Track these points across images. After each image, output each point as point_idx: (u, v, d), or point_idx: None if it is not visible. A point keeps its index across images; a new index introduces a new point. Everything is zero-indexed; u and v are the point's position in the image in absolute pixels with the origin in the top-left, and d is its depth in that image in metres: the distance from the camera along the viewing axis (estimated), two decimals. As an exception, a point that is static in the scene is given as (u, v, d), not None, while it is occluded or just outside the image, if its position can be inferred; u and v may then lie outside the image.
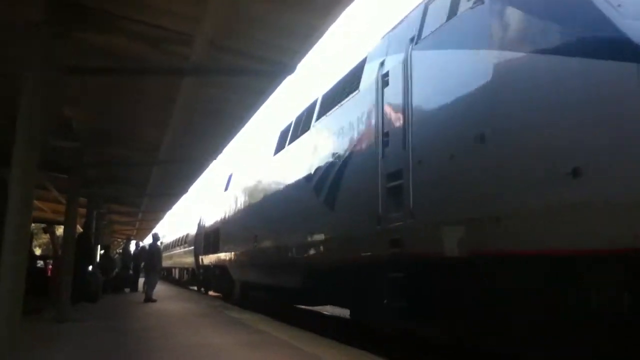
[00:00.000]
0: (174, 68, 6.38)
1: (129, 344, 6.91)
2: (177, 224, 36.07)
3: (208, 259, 18.86)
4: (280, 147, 11.32)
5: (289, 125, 10.90)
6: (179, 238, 31.00)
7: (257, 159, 13.57)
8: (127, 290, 19.56)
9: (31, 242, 18.39)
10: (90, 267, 14.28)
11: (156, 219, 28.63)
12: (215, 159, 11.35)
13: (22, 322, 4.85)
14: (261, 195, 12.32)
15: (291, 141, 10.43)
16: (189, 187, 16.17)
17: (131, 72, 6.48)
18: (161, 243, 38.99)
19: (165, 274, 37.64)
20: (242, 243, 13.79)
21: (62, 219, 12.68)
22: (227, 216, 16.33)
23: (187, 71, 6.21)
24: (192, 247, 23.94)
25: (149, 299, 14.68)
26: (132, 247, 23.33)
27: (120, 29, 5.72)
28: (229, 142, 10.07)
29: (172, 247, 34.18)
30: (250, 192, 13.54)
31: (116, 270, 19.65)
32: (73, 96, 7.63)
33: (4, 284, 4.68)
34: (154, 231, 21.57)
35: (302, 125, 9.86)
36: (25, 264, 4.99)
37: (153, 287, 15.25)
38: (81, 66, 6.13)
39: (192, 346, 6.58)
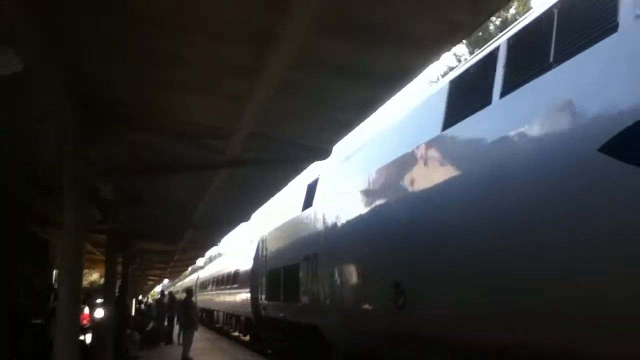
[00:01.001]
0: (210, 162, 6.47)
1: None
2: (223, 255, 33.81)
3: (275, 308, 12.69)
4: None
5: None
6: (224, 274, 24.27)
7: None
8: (162, 344, 19.53)
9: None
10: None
11: (192, 259, 28.28)
12: (246, 221, 11.45)
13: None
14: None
15: None
16: (219, 241, 16.39)
17: (167, 170, 6.58)
18: (197, 278, 38.24)
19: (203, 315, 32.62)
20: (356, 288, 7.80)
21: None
22: (321, 242, 9.14)
23: (223, 164, 6.29)
24: (246, 289, 17.52)
25: (185, 357, 14.66)
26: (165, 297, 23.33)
27: (153, 130, 5.83)
28: (259, 208, 10.20)
29: (214, 285, 27.85)
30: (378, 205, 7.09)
31: (152, 324, 19.66)
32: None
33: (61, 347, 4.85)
34: (187, 283, 21.58)
35: None
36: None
37: (190, 344, 15.23)
38: (114, 168, 6.27)
39: None
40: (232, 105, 5.13)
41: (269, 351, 15.46)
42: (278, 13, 3.38)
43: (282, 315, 11.86)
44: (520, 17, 5.57)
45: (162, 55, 4.31)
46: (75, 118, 5.14)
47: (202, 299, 31.69)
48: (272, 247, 13.55)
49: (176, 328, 20.03)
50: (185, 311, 16.25)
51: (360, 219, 7.48)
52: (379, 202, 7.02)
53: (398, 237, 6.19)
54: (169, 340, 19.92)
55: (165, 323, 20.52)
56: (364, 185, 7.46)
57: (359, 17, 3.61)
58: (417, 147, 5.95)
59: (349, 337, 8.63)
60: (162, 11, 3.62)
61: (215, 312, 28.90)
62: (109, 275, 10.71)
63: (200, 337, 22.00)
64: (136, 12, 3.62)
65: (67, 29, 3.87)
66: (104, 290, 10.49)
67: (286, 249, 11.87)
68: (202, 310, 31.33)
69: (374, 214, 7.08)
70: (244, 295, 17.99)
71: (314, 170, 9.97)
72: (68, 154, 5.25)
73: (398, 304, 6.09)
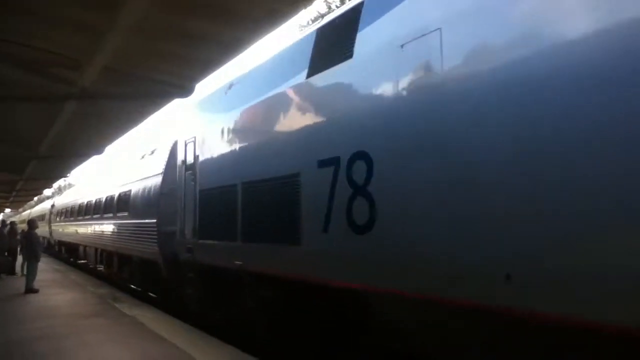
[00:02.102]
0: (60, 93, 6.01)
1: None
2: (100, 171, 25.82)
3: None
4: None
5: None
6: (103, 197, 17.03)
7: None
8: (3, 275, 18.34)
9: None
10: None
11: (38, 189, 26.08)
12: (99, 154, 10.90)
13: None
14: None
15: None
16: (69, 173, 15.44)
17: (13, 98, 6.01)
18: (52, 205, 31.72)
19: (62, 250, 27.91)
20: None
21: None
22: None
23: (74, 95, 5.88)
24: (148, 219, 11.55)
25: (30, 289, 13.95)
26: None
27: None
28: (113, 141, 9.78)
29: (82, 214, 20.52)
30: None
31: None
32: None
33: None
34: (31, 216, 20.05)
35: None
36: None
37: (34, 276, 14.50)
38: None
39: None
40: (86, 37, 4.78)
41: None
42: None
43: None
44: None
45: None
46: None
47: (62, 230, 25.55)
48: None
49: (19, 259, 18.90)
50: (28, 242, 15.33)
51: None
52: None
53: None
54: (10, 272, 18.76)
55: (6, 254, 19.20)
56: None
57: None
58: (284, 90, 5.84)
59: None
60: None
61: (82, 248, 21.10)
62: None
63: (49, 268, 20.99)
64: None
65: None
66: None
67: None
68: (61, 244, 26.88)
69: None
70: (143, 228, 11.76)
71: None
72: None
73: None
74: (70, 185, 41.34)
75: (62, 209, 26.28)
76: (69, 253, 25.28)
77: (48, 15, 4.57)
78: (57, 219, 27.72)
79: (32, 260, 14.93)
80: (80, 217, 20.63)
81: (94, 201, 18.40)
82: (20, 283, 15.03)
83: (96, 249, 18.27)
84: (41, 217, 35.25)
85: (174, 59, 5.31)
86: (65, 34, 4.88)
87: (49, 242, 32.21)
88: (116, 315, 10.29)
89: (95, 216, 18.03)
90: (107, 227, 15.90)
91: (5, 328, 9.13)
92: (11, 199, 28.91)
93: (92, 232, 18.34)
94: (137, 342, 7.94)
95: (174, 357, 6.85)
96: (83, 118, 7.54)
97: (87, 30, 4.55)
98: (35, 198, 40.06)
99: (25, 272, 15.53)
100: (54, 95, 6.14)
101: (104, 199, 16.79)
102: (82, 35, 4.73)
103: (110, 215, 15.47)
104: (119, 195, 14.59)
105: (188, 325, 9.22)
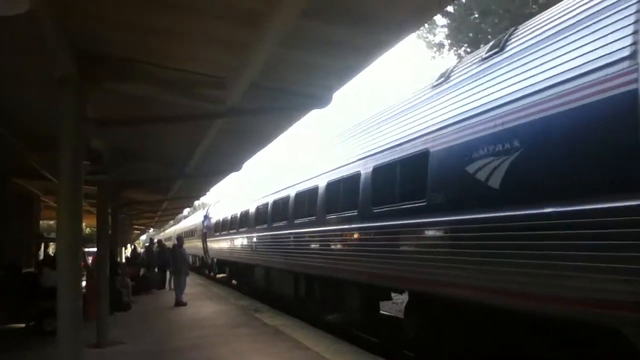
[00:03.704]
0: (208, 112, 6.35)
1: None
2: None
3: None
4: None
5: None
6: None
7: None
8: (154, 290, 19.80)
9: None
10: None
11: (180, 208, 27.68)
12: (237, 171, 11.38)
13: None
14: None
15: None
16: (208, 190, 16.37)
17: (163, 120, 6.46)
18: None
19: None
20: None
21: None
22: None
23: (222, 113, 6.19)
24: None
25: (179, 302, 14.91)
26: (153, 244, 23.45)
27: (150, 77, 5.67)
28: (251, 157, 10.16)
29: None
30: None
31: (142, 271, 19.88)
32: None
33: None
34: (177, 232, 21.29)
35: None
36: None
37: (182, 290, 15.48)
38: (112, 118, 6.13)
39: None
40: (234, 54, 4.99)
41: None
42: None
43: None
44: None
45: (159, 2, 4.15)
46: (72, 69, 4.99)
47: (225, 247, 20.53)
48: None
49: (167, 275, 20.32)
50: (174, 259, 16.41)
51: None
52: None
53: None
54: (161, 287, 20.22)
55: (156, 270, 20.77)
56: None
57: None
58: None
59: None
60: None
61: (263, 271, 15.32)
62: (100, 225, 10.66)
63: (193, 283, 22.30)
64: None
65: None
66: (96, 239, 10.46)
67: None
68: (224, 264, 22.82)
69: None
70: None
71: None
72: (66, 106, 5.11)
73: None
74: (203, 205, 42.23)
75: (226, 217, 20.11)
76: (236, 276, 20.17)
77: (195, 37, 4.86)
78: (217, 232, 22.10)
79: (179, 275, 15.96)
80: (260, 227, 14.48)
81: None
82: (170, 297, 16.15)
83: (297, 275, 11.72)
84: (190, 232, 32.68)
85: (314, 69, 5.41)
86: (213, 53, 5.14)
87: (203, 260, 28.13)
88: (259, 325, 10.69)
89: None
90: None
91: (160, 338, 9.81)
92: (156, 218, 31.13)
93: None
94: (281, 349, 8.19)
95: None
96: (227, 135, 7.93)
97: (233, 47, 4.76)
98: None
99: (172, 287, 16.68)
100: (201, 114, 6.50)
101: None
102: (229, 53, 4.96)
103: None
104: None
105: (328, 334, 9.34)
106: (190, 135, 8.06)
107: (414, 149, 6.78)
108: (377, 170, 7.74)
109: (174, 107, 6.46)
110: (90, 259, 13.92)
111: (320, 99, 6.12)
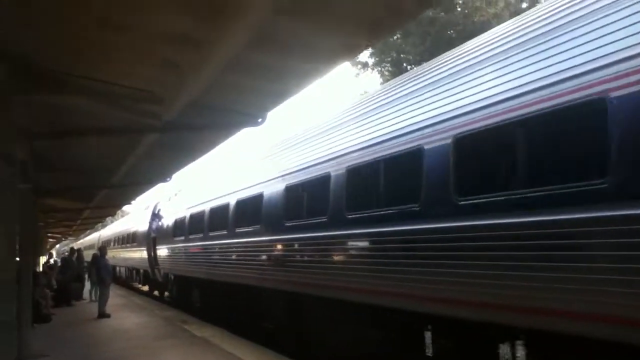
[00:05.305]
0: (143, 126, 6.41)
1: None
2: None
3: None
4: None
5: None
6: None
7: None
8: (72, 302, 19.10)
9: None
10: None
11: (102, 217, 26.94)
12: (166, 182, 11.36)
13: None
14: None
15: None
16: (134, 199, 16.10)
17: (96, 133, 6.45)
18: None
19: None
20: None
21: None
22: None
23: (158, 129, 6.27)
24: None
25: (102, 314, 14.54)
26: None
27: (83, 89, 5.63)
28: (181, 169, 10.24)
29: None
30: None
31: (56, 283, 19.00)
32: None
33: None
34: (102, 239, 20.64)
35: None
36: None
37: (106, 301, 15.11)
38: (46, 132, 6.07)
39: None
40: (172, 73, 5.13)
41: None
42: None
43: None
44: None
45: (97, 20, 4.20)
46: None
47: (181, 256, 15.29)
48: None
49: (87, 285, 19.70)
50: (97, 269, 15.98)
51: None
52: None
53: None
54: (78, 297, 19.51)
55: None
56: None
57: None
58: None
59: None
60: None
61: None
62: (23, 234, 10.30)
63: (113, 294, 21.68)
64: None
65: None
66: (19, 248, 10.10)
67: None
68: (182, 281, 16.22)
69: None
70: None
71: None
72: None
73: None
74: (123, 214, 39.67)
75: (197, 213, 13.91)
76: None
77: (139, 54, 4.95)
78: (177, 236, 15.92)
79: (101, 286, 15.55)
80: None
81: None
82: (90, 308, 15.70)
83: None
84: (125, 238, 25.64)
85: (252, 91, 5.65)
86: (154, 72, 5.26)
87: (145, 274, 21.57)
88: (188, 336, 10.69)
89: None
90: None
91: (85, 350, 9.62)
92: (74, 227, 30.05)
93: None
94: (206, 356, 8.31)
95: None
96: (159, 149, 7.97)
97: (176, 68, 4.91)
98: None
99: (95, 298, 16.19)
100: (137, 129, 6.55)
101: None
102: (170, 73, 5.09)
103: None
104: None
105: (259, 345, 9.51)
106: (122, 147, 8.04)
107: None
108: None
109: (107, 119, 6.47)
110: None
111: (256, 118, 6.36)
